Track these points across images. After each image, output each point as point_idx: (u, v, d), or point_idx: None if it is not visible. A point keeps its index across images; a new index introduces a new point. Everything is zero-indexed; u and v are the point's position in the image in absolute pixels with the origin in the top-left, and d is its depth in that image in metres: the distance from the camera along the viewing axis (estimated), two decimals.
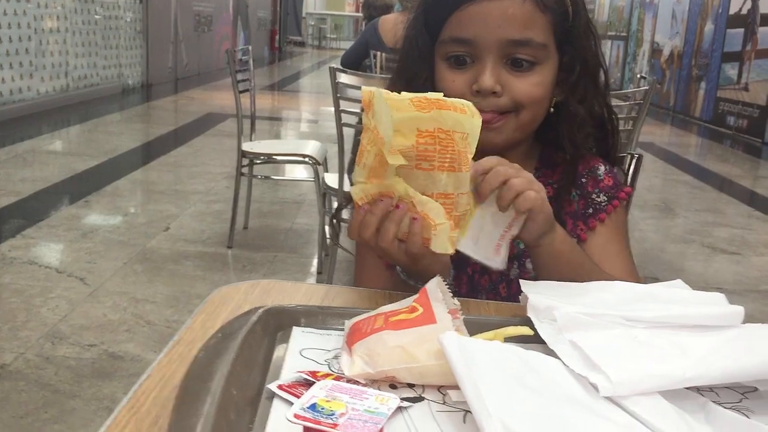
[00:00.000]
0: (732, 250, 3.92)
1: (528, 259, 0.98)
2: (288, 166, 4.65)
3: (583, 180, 1.01)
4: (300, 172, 4.61)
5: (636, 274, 0.99)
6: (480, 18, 0.90)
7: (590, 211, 0.99)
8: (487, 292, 1.00)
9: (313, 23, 22.35)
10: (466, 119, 0.72)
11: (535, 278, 0.99)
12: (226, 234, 3.45)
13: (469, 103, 0.73)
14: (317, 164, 3.27)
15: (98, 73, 8.08)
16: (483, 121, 0.86)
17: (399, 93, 0.98)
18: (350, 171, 1.18)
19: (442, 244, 0.75)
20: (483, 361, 0.57)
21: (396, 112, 0.70)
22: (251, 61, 3.61)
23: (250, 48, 3.72)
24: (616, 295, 0.73)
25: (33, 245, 3.27)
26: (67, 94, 7.29)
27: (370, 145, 0.73)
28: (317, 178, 3.25)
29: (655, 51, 11.14)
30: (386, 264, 0.94)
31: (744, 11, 8.41)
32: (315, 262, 3.30)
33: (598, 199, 1.00)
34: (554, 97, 0.98)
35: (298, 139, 6.51)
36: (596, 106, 1.00)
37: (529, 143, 1.03)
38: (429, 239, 0.75)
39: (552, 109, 0.99)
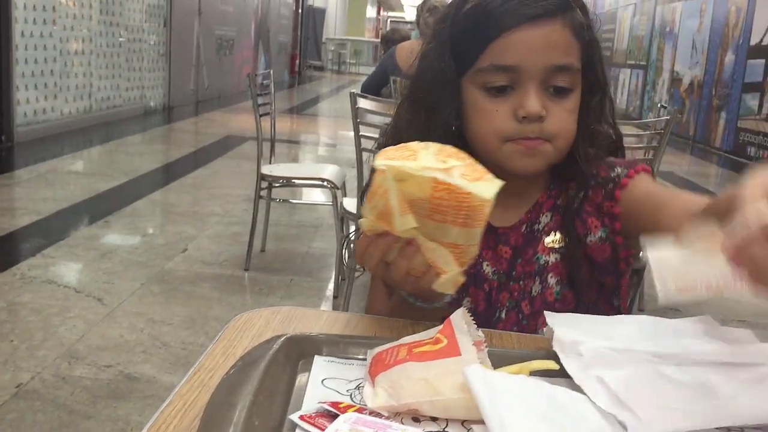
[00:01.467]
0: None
1: (551, 274, 0.97)
2: (305, 190, 4.66)
3: (594, 172, 0.98)
4: (317, 196, 4.62)
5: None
6: (524, 44, 0.90)
7: (610, 186, 0.96)
8: (509, 310, 0.98)
9: (333, 48, 22.57)
10: (487, 180, 0.70)
11: (560, 293, 0.98)
12: (243, 256, 3.45)
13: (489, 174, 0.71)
14: (335, 188, 3.28)
15: (121, 95, 8.18)
16: (527, 147, 0.92)
17: (419, 129, 0.97)
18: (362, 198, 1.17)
19: (446, 286, 0.74)
20: (509, 396, 0.56)
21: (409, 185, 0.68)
22: (272, 85, 3.64)
23: (271, 72, 3.75)
24: (642, 329, 0.71)
25: (52, 264, 3.29)
26: (90, 115, 7.38)
27: (381, 190, 0.70)
28: (335, 203, 3.25)
29: (675, 80, 11.11)
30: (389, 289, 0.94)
31: (765, 42, 8.37)
32: (331, 285, 3.30)
33: (614, 173, 0.97)
34: None
35: (317, 162, 6.54)
36: (606, 127, 1.02)
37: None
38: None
39: None
